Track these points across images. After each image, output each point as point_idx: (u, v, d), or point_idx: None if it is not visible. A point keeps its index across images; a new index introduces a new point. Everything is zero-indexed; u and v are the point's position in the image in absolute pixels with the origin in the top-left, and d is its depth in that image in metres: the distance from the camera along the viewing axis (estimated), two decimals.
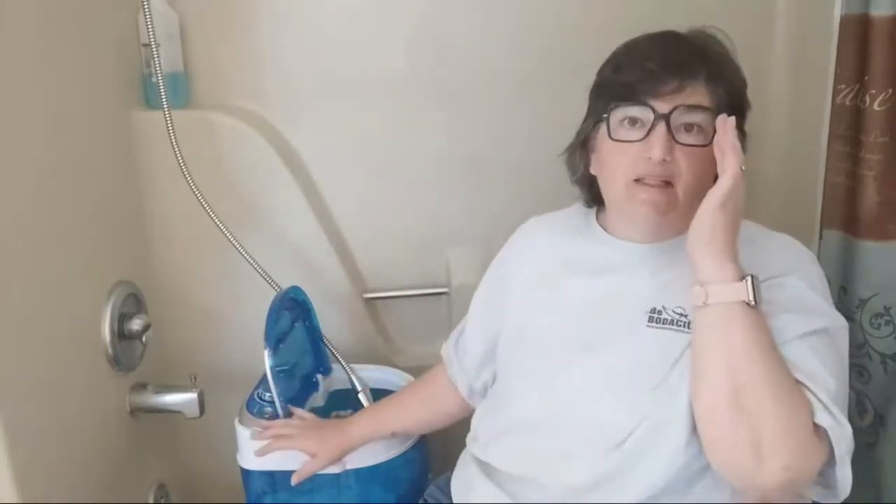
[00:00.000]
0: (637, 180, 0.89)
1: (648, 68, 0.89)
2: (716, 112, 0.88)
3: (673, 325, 0.88)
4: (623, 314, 0.91)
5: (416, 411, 1.18)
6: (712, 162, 0.88)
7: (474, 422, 1.05)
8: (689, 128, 0.88)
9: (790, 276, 0.87)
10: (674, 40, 0.93)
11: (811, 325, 0.83)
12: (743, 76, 0.95)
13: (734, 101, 0.92)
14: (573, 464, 0.89)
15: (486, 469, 0.98)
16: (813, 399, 0.78)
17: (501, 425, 0.99)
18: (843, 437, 0.78)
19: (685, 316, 0.87)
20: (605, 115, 0.92)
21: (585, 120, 0.98)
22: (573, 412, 0.91)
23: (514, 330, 1.03)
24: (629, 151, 0.89)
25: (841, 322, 0.87)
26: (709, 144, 0.87)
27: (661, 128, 0.86)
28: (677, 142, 0.87)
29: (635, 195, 0.89)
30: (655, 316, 0.89)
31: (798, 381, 0.78)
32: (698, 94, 0.89)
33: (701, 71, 0.89)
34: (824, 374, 0.80)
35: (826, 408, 0.77)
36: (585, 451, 0.88)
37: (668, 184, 0.88)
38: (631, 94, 0.89)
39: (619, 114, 0.91)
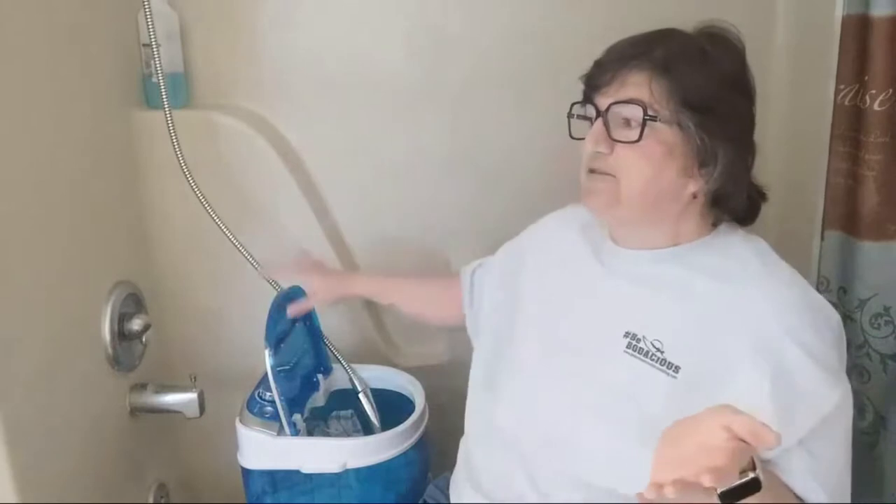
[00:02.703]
0: (592, 171, 0.91)
1: (599, 62, 0.91)
2: (647, 106, 0.85)
3: (648, 358, 0.86)
4: (601, 327, 0.91)
5: (418, 300, 1.27)
6: (662, 158, 0.87)
7: (467, 417, 1.06)
8: (626, 123, 0.88)
9: (788, 346, 0.82)
10: (639, 35, 0.91)
11: (809, 419, 0.81)
12: (715, 72, 0.88)
13: (695, 98, 0.86)
14: (542, 485, 0.89)
15: (471, 475, 0.99)
16: None
17: (487, 430, 0.99)
18: None
19: (661, 351, 0.86)
20: (568, 115, 0.95)
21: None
22: (547, 432, 0.91)
23: (508, 325, 1.04)
24: (582, 147, 0.92)
25: (839, 392, 0.83)
26: (638, 140, 0.86)
27: (597, 124, 0.89)
28: (612, 138, 0.88)
29: (586, 186, 0.92)
30: (634, 343, 0.88)
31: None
32: (630, 85, 0.87)
33: (639, 61, 0.87)
34: (827, 474, 0.82)
35: None
36: (556, 473, 0.89)
37: (613, 178, 0.89)
38: (586, 91, 0.92)
39: (575, 113, 0.94)
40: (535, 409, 0.94)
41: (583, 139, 0.91)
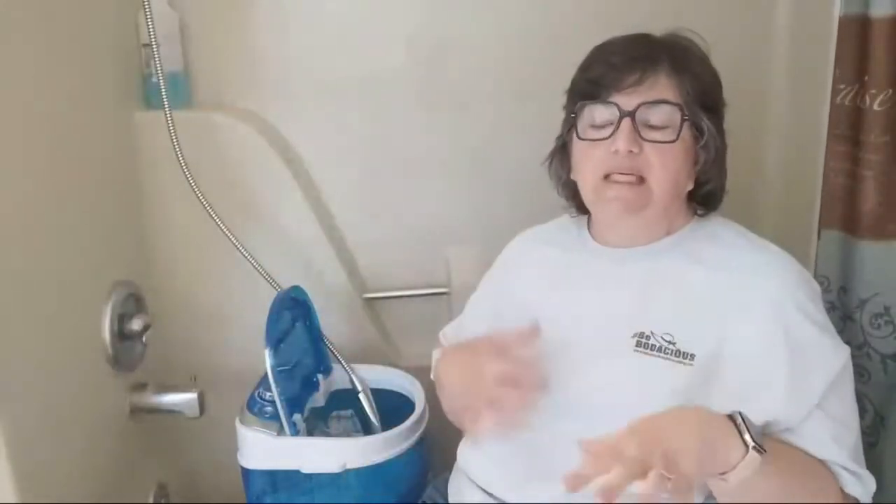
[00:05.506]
0: (607, 177, 0.90)
1: (611, 63, 0.91)
2: (683, 107, 0.89)
3: (661, 352, 0.87)
4: (610, 332, 0.91)
5: None
6: (685, 157, 0.90)
7: (461, 446, 1.04)
8: (655, 123, 0.89)
9: (795, 321, 0.85)
10: (640, 37, 0.94)
11: (823, 382, 0.84)
12: (715, 72, 0.95)
13: (704, 97, 0.92)
14: (553, 488, 0.87)
15: (474, 476, 0.98)
16: (842, 472, 0.82)
17: (489, 447, 0.97)
18: (868, 491, 0.83)
19: (673, 343, 0.87)
20: (572, 115, 0.93)
21: (563, 124, 0.99)
22: (556, 434, 0.90)
23: None
24: (598, 149, 0.90)
25: (844, 353, 0.87)
26: (675, 140, 0.89)
27: (625, 123, 0.88)
28: (644, 138, 0.88)
29: (604, 193, 0.90)
30: (644, 341, 0.88)
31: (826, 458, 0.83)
32: (661, 86, 0.89)
33: (663, 63, 0.90)
34: (845, 434, 0.84)
35: (853, 472, 0.82)
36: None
37: (640, 180, 0.89)
38: (596, 91, 0.91)
39: (587, 113, 0.92)
40: (545, 415, 0.92)
41: (594, 140, 0.90)
